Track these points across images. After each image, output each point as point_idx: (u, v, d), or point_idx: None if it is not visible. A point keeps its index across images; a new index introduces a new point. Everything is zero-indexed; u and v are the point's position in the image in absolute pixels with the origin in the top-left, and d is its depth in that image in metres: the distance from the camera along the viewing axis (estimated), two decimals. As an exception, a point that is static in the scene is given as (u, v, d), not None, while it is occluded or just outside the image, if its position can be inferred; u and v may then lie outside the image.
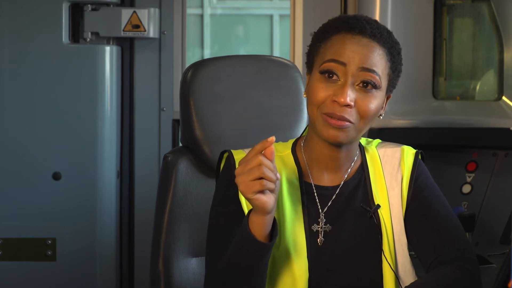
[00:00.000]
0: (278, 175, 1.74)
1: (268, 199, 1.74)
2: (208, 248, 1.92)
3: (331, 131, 1.84)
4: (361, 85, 1.84)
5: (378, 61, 1.86)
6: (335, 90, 1.83)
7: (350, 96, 1.82)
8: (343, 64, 1.84)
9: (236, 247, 1.80)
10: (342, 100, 1.81)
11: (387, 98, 1.93)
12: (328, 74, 1.85)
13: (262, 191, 1.73)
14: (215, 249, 1.89)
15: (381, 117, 1.93)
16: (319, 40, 1.90)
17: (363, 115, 1.84)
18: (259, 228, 1.77)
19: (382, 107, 1.91)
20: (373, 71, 1.84)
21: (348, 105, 1.82)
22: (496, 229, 2.81)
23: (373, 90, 1.85)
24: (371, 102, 1.85)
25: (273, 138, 1.73)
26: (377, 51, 1.86)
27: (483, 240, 2.79)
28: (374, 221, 1.91)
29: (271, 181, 1.72)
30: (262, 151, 1.73)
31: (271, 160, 1.73)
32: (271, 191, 1.74)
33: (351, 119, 1.83)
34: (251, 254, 1.78)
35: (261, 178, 1.72)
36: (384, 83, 1.87)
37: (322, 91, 1.84)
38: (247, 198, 1.74)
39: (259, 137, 2.24)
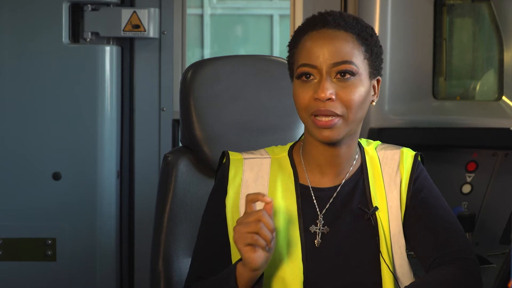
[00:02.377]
0: (274, 234, 1.77)
1: (257, 257, 1.76)
2: (194, 249, 1.99)
3: (323, 132, 1.84)
4: (338, 76, 1.84)
5: (348, 49, 1.85)
6: (314, 88, 1.84)
7: (329, 89, 1.82)
8: (314, 66, 1.84)
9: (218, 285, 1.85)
10: (322, 95, 1.81)
11: (378, 82, 1.92)
12: (305, 76, 1.85)
13: (253, 246, 1.75)
14: (197, 253, 1.98)
15: (374, 103, 1.92)
16: (292, 46, 1.92)
17: (348, 105, 1.83)
18: (242, 279, 1.80)
19: (374, 93, 1.91)
20: (345, 62, 1.84)
21: (329, 99, 1.82)
22: (496, 229, 2.81)
23: (352, 78, 1.84)
24: (352, 91, 1.84)
25: (271, 200, 1.77)
26: (345, 39, 1.85)
27: (483, 240, 2.79)
28: (372, 223, 1.91)
29: (265, 239, 1.75)
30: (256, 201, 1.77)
31: (270, 215, 1.76)
32: (262, 249, 1.76)
33: (337, 112, 1.83)
34: None
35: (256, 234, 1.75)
36: (363, 68, 1.86)
37: (303, 94, 1.85)
38: (237, 248, 1.77)
39: (259, 137, 2.25)
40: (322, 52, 1.84)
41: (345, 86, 1.84)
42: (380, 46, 1.92)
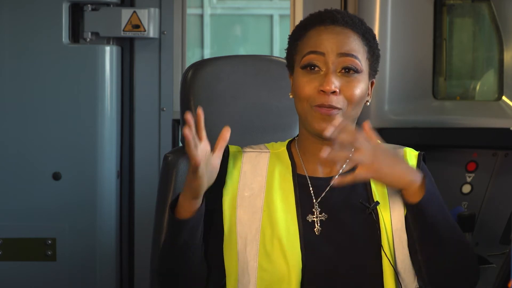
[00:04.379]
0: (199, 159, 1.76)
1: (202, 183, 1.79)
2: None
3: (321, 124, 1.87)
4: (343, 71, 1.89)
5: (355, 45, 1.90)
6: (319, 80, 1.88)
7: (334, 83, 1.86)
8: (322, 53, 1.88)
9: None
10: (328, 87, 1.85)
11: (372, 84, 1.96)
12: (310, 67, 1.89)
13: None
14: None
15: (368, 103, 1.96)
16: (296, 38, 1.95)
17: (350, 100, 1.88)
18: (186, 211, 1.83)
19: (368, 93, 1.95)
20: (352, 55, 1.88)
21: (334, 92, 1.86)
22: (496, 229, 2.81)
23: (356, 74, 1.89)
24: (356, 86, 1.89)
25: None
26: (352, 37, 1.91)
27: (483, 240, 2.79)
28: (373, 217, 1.92)
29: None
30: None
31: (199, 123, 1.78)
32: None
33: (339, 106, 1.87)
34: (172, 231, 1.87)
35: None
36: (365, 67, 1.91)
37: (308, 84, 1.89)
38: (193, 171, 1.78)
39: (259, 137, 2.25)
40: (331, 42, 1.89)
41: (349, 81, 1.88)
42: (379, 50, 1.97)
